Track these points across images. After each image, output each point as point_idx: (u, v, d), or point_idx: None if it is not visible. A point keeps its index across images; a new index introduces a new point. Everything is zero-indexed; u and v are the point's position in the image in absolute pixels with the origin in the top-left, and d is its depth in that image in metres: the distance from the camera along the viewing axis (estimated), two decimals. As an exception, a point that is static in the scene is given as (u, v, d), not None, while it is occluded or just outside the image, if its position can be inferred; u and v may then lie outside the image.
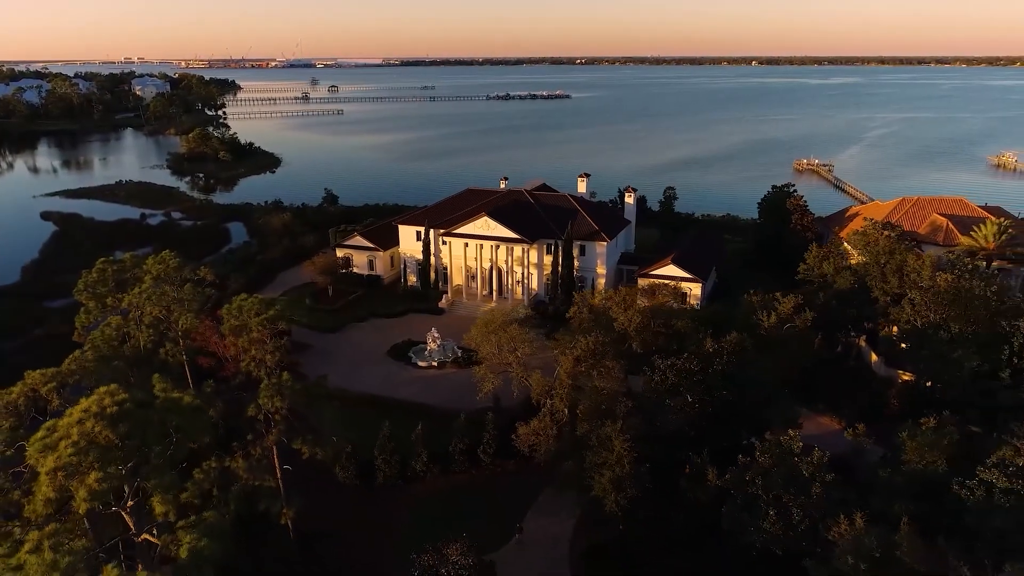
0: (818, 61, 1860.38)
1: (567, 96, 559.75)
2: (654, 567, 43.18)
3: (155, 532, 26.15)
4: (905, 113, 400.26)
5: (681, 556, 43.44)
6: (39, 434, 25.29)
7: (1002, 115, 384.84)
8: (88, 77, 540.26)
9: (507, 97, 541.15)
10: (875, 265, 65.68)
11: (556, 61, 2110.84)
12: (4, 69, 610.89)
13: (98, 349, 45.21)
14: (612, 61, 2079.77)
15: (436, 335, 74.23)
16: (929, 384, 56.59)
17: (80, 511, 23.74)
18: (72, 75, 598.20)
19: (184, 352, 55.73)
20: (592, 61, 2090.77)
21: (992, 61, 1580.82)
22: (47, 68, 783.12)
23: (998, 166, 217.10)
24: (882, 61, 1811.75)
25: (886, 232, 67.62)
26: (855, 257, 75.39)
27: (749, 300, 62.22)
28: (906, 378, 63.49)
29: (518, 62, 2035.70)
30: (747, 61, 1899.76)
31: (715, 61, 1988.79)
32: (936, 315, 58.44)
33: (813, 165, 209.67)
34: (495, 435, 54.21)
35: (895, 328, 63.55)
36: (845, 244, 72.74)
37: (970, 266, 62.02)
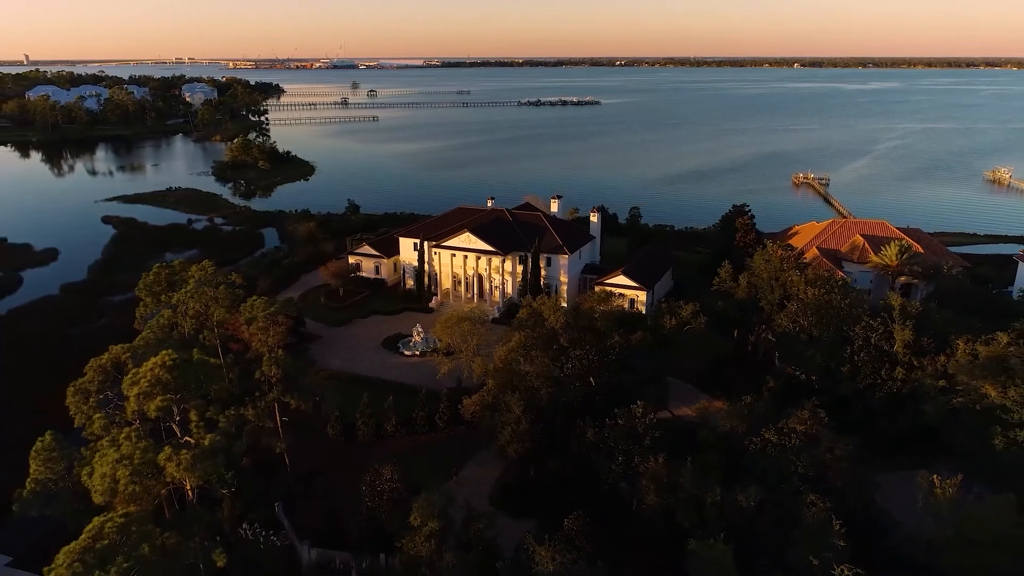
0: (863, 63, 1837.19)
1: (597, 102, 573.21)
2: (546, 500, 59.32)
3: (192, 436, 43.54)
4: (927, 124, 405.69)
5: (566, 493, 59.47)
6: (128, 376, 42.80)
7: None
8: (142, 82, 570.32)
9: (538, 103, 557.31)
10: (766, 280, 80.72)
11: (596, 63, 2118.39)
12: (64, 73, 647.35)
13: (155, 334, 62.90)
14: (652, 63, 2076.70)
15: (420, 330, 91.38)
16: (789, 373, 71.52)
17: (151, 416, 41.23)
18: (127, 77, 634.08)
19: (218, 338, 73.41)
20: (633, 63, 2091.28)
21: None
22: (103, 71, 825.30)
23: (993, 181, 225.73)
24: (929, 64, 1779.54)
25: (780, 252, 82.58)
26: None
27: (659, 306, 77.92)
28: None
29: (558, 63, 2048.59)
30: (790, 63, 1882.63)
31: (757, 63, 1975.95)
32: (806, 321, 73.50)
33: (809, 179, 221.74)
34: (448, 406, 70.91)
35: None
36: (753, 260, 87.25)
37: (841, 282, 76.86)
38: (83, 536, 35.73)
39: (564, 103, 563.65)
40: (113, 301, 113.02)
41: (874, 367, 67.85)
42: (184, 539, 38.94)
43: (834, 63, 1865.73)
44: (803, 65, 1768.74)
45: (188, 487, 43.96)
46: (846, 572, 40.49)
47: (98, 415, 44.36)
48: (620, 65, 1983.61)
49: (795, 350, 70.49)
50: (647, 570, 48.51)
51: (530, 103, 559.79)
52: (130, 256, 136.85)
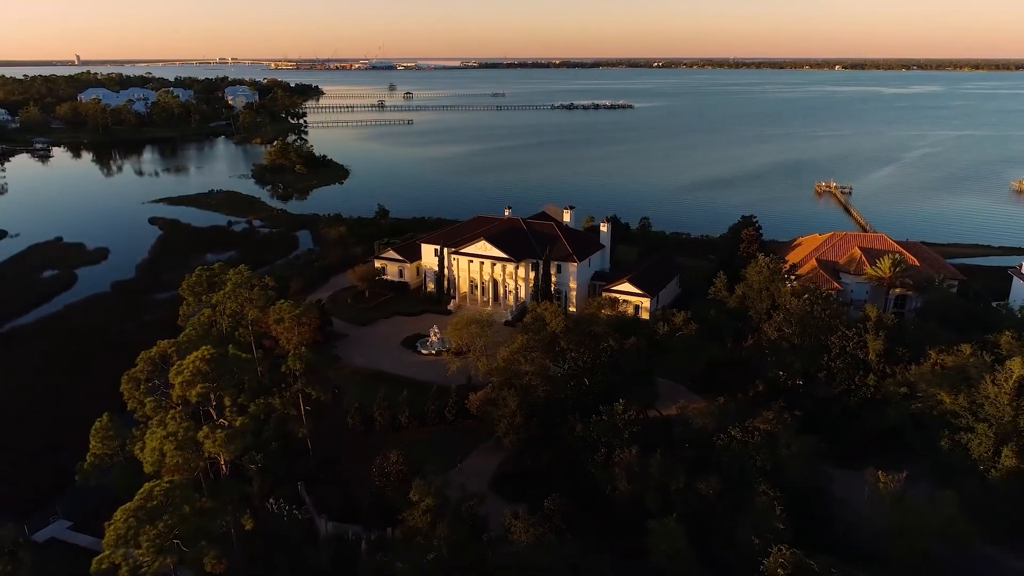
0: (906, 65, 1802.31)
1: (630, 106, 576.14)
2: (538, 486, 65.95)
3: (226, 419, 51.34)
4: (961, 131, 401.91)
5: (556, 480, 66.01)
6: (174, 367, 50.71)
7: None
8: (187, 84, 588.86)
9: (571, 107, 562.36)
10: (756, 290, 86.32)
11: (633, 64, 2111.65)
12: (113, 75, 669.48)
13: (196, 330, 71.00)
14: (691, 64, 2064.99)
15: (436, 331, 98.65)
16: (775, 377, 77.13)
17: (192, 401, 49.04)
18: (172, 79, 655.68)
19: (251, 335, 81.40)
20: (670, 64, 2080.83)
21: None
22: (150, 72, 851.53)
23: (1019, 192, 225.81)
24: (976, 66, 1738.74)
25: (770, 265, 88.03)
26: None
27: (654, 313, 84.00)
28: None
29: (595, 64, 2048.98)
30: (831, 65, 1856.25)
31: (797, 64, 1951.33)
32: (790, 330, 79.03)
33: (832, 188, 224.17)
34: (456, 401, 77.97)
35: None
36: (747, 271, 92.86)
37: (825, 294, 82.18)
38: (136, 498, 43.45)
39: (597, 107, 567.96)
40: (159, 298, 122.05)
41: (848, 374, 73.23)
42: (219, 504, 46.60)
43: (877, 65, 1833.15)
44: (844, 67, 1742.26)
45: (222, 462, 51.81)
46: (784, 551, 46.43)
47: (149, 399, 52.42)
48: (657, 66, 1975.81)
49: (779, 357, 76.05)
50: (616, 546, 54.82)
51: (563, 107, 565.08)
52: (174, 256, 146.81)
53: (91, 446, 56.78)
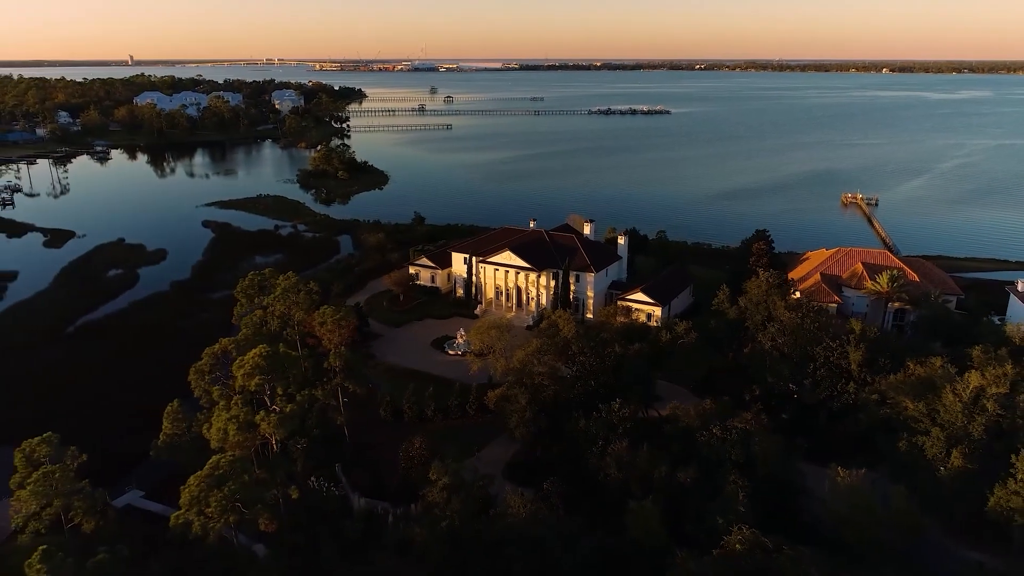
0: (957, 68, 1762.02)
1: (667, 112, 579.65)
2: (545, 473, 74.66)
3: (277, 406, 61.32)
4: (1003, 139, 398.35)
5: (560, 468, 74.69)
6: (236, 362, 60.94)
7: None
8: (236, 87, 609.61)
9: (608, 112, 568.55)
10: (753, 304, 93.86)
11: (675, 66, 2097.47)
12: (166, 78, 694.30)
13: (250, 330, 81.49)
14: (733, 67, 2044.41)
15: (463, 333, 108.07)
16: (770, 383, 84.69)
17: (251, 390, 59.22)
18: (222, 81, 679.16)
19: (297, 334, 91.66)
20: (713, 66, 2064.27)
21: None
22: (200, 75, 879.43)
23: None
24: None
25: (769, 280, 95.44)
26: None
27: (662, 321, 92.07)
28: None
29: (636, 67, 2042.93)
30: (878, 68, 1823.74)
31: (843, 67, 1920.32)
32: (782, 340, 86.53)
33: (858, 199, 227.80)
34: (477, 398, 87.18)
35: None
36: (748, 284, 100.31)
37: (816, 308, 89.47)
38: (206, 467, 53.53)
39: (634, 112, 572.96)
40: (213, 297, 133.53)
41: (831, 381, 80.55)
42: (271, 476, 56.50)
43: (926, 68, 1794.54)
44: (892, 70, 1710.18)
45: (273, 441, 61.83)
46: (744, 530, 54.49)
47: (215, 388, 62.81)
48: (700, 68, 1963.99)
49: (771, 365, 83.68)
50: (605, 524, 63.32)
51: (600, 112, 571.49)
52: (226, 258, 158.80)
53: (164, 427, 67.38)
